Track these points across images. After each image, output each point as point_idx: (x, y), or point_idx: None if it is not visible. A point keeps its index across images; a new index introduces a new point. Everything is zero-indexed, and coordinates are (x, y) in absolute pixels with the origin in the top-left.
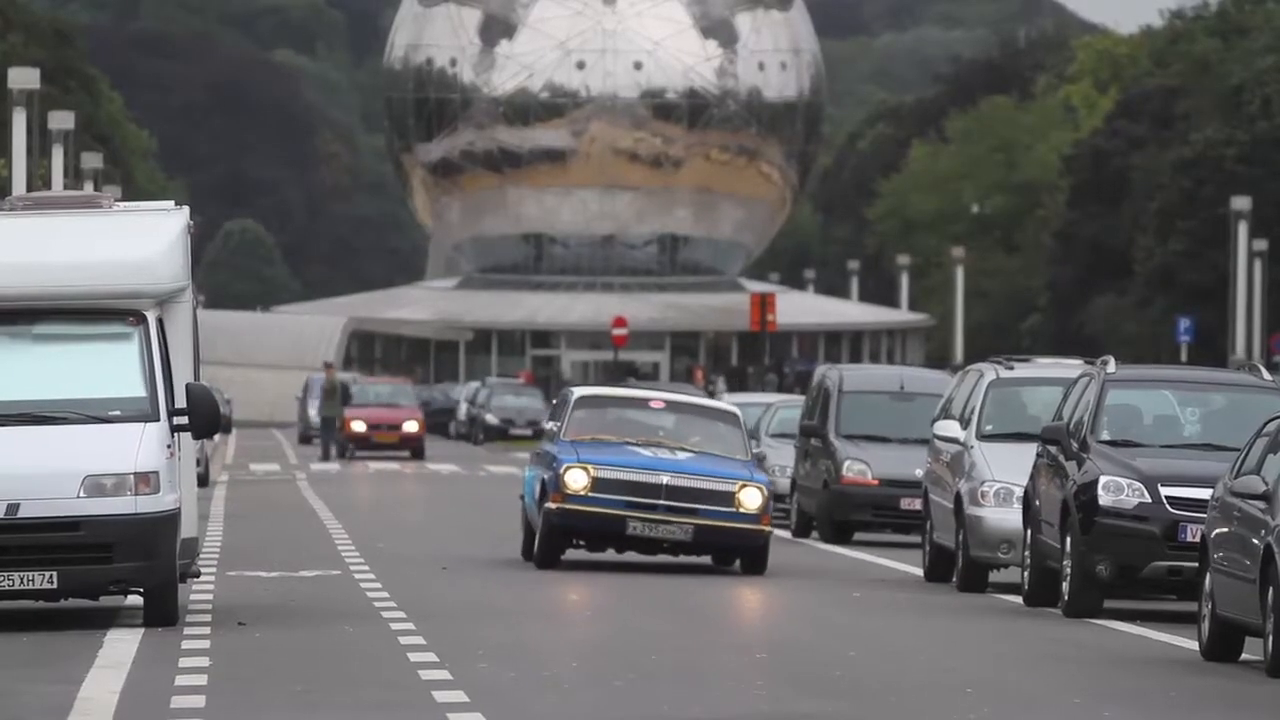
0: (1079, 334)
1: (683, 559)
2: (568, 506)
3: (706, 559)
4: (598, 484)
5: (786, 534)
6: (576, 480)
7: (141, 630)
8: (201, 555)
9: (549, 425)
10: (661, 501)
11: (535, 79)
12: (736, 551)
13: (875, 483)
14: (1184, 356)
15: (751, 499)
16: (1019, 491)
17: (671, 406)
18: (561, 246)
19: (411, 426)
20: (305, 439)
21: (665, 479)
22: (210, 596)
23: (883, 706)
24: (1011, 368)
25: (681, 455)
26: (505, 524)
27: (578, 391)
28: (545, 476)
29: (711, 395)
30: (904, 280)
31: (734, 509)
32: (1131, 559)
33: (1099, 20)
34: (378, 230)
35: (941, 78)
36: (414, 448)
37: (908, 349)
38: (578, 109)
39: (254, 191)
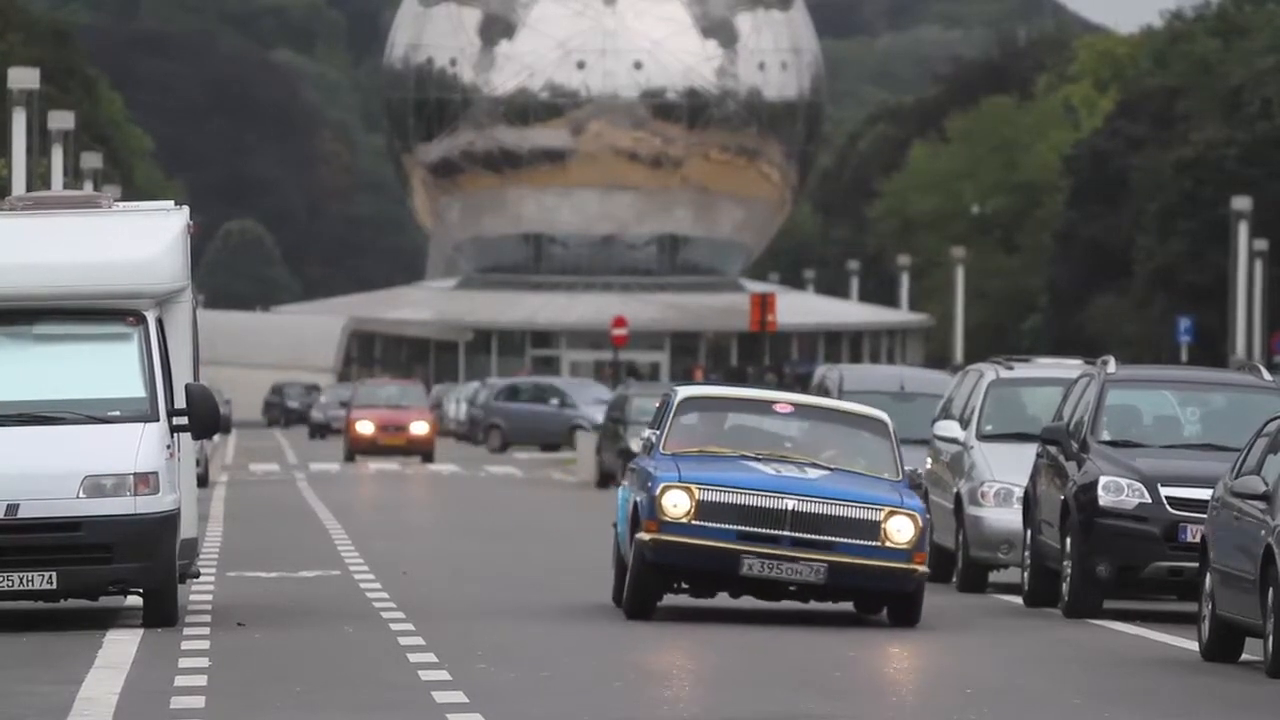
0: (1079, 334)
1: (813, 605)
2: (665, 538)
3: (847, 605)
4: (704, 509)
5: None
6: (676, 504)
7: (141, 631)
8: (201, 556)
9: (646, 434)
10: (786, 532)
11: (535, 79)
12: (881, 597)
13: None
14: (1184, 357)
15: (902, 530)
16: (1019, 492)
17: (801, 411)
18: (561, 246)
19: (420, 428)
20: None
21: (791, 503)
22: (210, 597)
23: (882, 707)
24: (1011, 368)
25: (813, 473)
26: (504, 521)
27: (682, 392)
28: (638, 499)
29: None
30: (904, 280)
31: (878, 543)
32: (1132, 559)
33: (1099, 20)
34: (378, 230)
35: (942, 78)
36: (424, 451)
37: (908, 349)
38: (578, 109)
39: (254, 191)
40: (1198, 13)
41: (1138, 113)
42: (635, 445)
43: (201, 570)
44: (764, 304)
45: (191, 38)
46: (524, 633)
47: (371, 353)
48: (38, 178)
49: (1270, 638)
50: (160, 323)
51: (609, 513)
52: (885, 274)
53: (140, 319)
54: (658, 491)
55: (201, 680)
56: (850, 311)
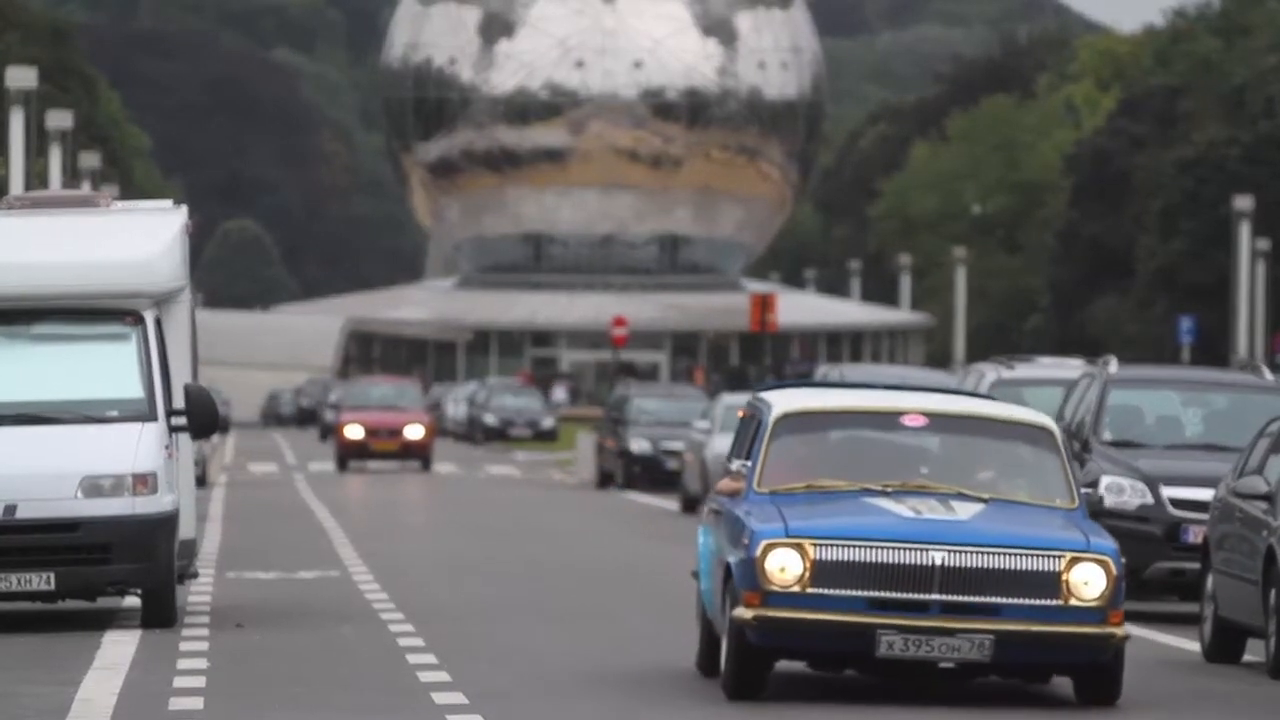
0: (1081, 334)
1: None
2: (772, 614)
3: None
4: (822, 572)
5: None
6: (785, 568)
7: (139, 631)
8: (199, 556)
9: (734, 465)
10: (935, 596)
11: (534, 78)
12: (1067, 670)
13: None
14: (1186, 357)
15: (1090, 582)
16: None
17: (939, 422)
18: (561, 246)
19: (415, 432)
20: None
21: (939, 556)
22: (208, 598)
23: (883, 708)
24: (1013, 368)
25: (963, 510)
26: (504, 522)
27: (778, 405)
28: (731, 560)
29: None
30: (905, 280)
31: (1059, 600)
32: (1133, 560)
33: (1101, 19)
34: (377, 230)
35: (942, 77)
36: (420, 457)
37: (909, 349)
38: (577, 108)
39: (253, 191)
40: (1199, 12)
41: (1139, 112)
42: (635, 446)
43: (200, 571)
44: (764, 304)
45: (191, 37)
46: (524, 633)
47: (370, 353)
48: (36, 177)
49: (1272, 639)
50: (159, 322)
51: (609, 513)
52: (886, 274)
53: (138, 319)
54: (758, 551)
55: (200, 681)
56: (851, 311)
